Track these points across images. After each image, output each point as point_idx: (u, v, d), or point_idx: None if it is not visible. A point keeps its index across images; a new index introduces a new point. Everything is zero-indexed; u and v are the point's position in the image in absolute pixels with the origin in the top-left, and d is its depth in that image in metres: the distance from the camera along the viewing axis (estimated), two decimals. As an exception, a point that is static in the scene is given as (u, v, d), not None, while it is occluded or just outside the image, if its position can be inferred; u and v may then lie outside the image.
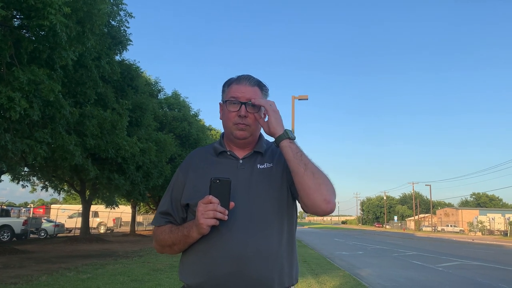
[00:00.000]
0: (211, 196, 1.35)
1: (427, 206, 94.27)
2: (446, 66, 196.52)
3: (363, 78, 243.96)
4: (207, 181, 1.38)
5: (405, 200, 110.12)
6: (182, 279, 1.50)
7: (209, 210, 1.33)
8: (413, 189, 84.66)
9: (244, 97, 1.52)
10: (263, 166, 1.54)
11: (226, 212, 1.35)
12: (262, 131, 1.63)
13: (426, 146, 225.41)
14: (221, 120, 1.63)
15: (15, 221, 22.12)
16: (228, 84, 1.60)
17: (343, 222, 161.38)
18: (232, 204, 1.38)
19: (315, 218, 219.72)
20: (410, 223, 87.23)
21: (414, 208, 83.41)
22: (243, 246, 1.39)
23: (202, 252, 1.44)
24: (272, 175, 1.52)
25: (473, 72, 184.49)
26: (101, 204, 27.44)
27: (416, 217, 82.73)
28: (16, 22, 10.13)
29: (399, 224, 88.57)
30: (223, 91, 1.62)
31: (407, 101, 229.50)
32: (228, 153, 1.57)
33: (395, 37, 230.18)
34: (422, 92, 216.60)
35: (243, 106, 1.51)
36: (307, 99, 23.16)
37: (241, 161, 1.55)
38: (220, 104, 1.63)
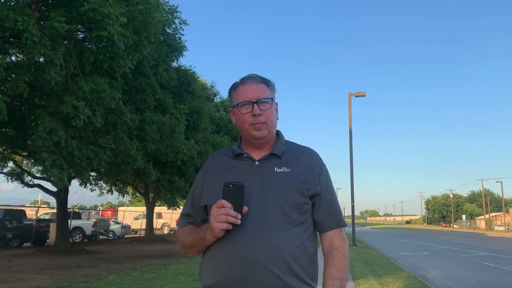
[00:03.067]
0: (223, 200, 1.37)
1: (498, 204, 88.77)
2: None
3: (425, 69, 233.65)
4: (222, 184, 1.41)
5: (473, 198, 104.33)
6: (200, 279, 1.54)
7: (221, 214, 1.36)
8: (482, 186, 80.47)
9: (254, 96, 1.54)
10: (280, 170, 1.53)
11: (239, 216, 1.36)
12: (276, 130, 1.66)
13: (496, 140, 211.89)
14: (235, 125, 1.65)
15: (86, 223, 23.55)
16: (234, 88, 1.62)
17: (407, 222, 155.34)
18: (245, 208, 1.39)
19: (377, 218, 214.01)
20: (480, 222, 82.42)
21: (484, 207, 78.82)
22: (253, 249, 1.39)
23: (216, 254, 1.46)
24: (289, 180, 1.51)
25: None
26: (164, 205, 28.42)
27: (487, 216, 78.04)
28: (80, 35, 10.75)
29: (468, 224, 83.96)
30: (230, 97, 1.64)
31: (475, 91, 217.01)
32: (245, 155, 1.59)
33: (463, 22, 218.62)
34: (494, 80, 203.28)
35: (255, 105, 1.53)
36: (365, 96, 22.58)
37: (257, 163, 1.56)
38: (230, 110, 1.66)
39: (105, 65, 10.29)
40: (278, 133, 1.67)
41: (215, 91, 27.49)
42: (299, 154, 1.61)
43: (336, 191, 1.68)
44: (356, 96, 22.33)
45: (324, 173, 1.60)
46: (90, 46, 10.32)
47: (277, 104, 1.65)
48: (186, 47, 16.74)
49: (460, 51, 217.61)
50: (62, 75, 8.91)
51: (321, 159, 1.64)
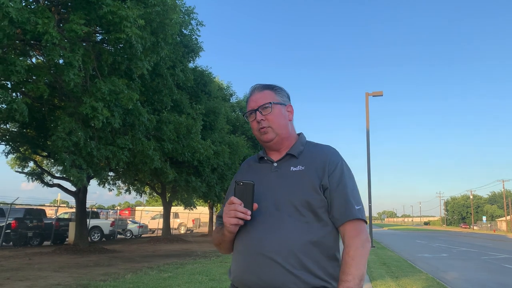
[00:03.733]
0: (233, 197, 1.47)
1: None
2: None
3: (438, 68, 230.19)
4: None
5: (494, 199, 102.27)
6: (228, 275, 1.64)
7: (231, 210, 1.46)
8: (503, 187, 79.07)
9: (256, 104, 1.64)
10: (296, 169, 1.59)
11: (249, 212, 1.45)
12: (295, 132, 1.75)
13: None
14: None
15: (104, 223, 23.84)
16: (247, 100, 1.73)
17: (426, 223, 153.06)
18: (255, 205, 1.48)
19: (395, 219, 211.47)
20: (501, 224, 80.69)
21: (505, 208, 77.23)
22: (265, 244, 1.46)
23: (236, 251, 1.58)
24: (303, 178, 1.56)
25: None
26: (180, 205, 28.62)
27: (508, 217, 76.41)
28: (99, 37, 10.91)
29: (489, 225, 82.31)
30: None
31: (495, 86, 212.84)
32: (266, 158, 1.68)
33: (476, 23, 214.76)
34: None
35: (257, 112, 1.63)
36: (382, 95, 22.32)
37: (275, 164, 1.64)
38: None
39: (123, 67, 10.42)
40: (299, 135, 1.74)
41: (231, 92, 27.60)
42: (315, 153, 1.64)
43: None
44: (373, 96, 22.12)
45: (338, 168, 1.58)
46: (108, 48, 10.47)
47: (289, 106, 1.71)
48: (202, 48, 16.85)
49: (482, 49, 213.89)
50: (81, 77, 9.04)
51: (339, 155, 1.64)
